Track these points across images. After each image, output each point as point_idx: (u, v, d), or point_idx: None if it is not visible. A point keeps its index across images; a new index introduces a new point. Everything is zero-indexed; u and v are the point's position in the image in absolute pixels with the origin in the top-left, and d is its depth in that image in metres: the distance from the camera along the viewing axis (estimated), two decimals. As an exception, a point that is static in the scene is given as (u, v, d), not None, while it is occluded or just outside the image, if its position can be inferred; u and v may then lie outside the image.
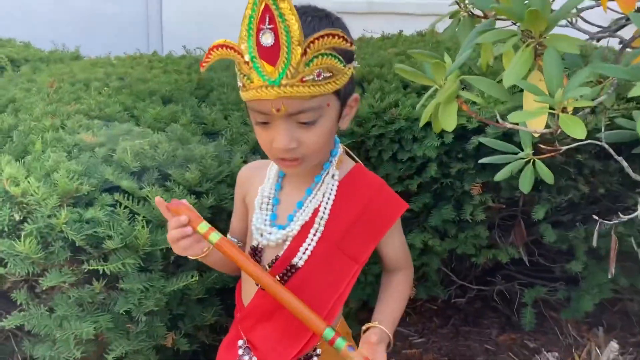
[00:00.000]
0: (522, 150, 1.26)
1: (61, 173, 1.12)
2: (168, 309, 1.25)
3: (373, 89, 1.77)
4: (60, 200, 1.09)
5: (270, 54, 0.89)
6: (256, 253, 1.09)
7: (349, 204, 1.08)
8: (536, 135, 1.11)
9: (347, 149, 1.15)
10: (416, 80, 0.98)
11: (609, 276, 1.44)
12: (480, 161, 1.49)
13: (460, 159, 1.68)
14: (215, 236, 0.98)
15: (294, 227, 1.06)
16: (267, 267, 1.07)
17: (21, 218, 1.09)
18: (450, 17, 1.25)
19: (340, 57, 0.93)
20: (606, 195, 1.81)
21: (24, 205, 1.09)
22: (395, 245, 1.15)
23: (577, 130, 0.85)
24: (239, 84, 0.97)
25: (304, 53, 0.89)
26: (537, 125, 1.01)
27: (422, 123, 1.03)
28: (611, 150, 1.25)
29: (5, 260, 1.08)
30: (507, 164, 1.29)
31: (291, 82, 0.90)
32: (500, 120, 1.02)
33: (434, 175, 1.67)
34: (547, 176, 1.32)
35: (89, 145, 1.28)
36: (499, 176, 1.34)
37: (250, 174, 1.16)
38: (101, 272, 1.13)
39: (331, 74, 0.94)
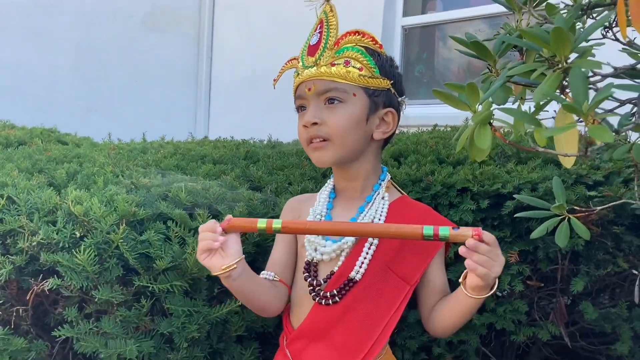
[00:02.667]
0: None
1: (120, 198, 1.21)
2: (208, 342, 1.27)
3: (409, 161, 1.87)
4: (118, 219, 1.17)
5: (313, 49, 1.12)
6: (310, 268, 1.14)
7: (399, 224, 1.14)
8: (568, 164, 1.16)
9: (392, 182, 1.24)
10: (453, 105, 1.07)
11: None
12: (516, 215, 1.53)
13: (496, 227, 1.71)
14: (277, 222, 1.03)
15: (349, 240, 1.12)
16: (323, 283, 1.11)
17: (81, 235, 1.17)
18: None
19: (371, 59, 1.12)
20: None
21: (85, 223, 1.18)
22: (441, 272, 1.17)
23: (604, 135, 0.91)
24: (293, 84, 1.18)
25: (337, 43, 1.11)
26: (569, 149, 1.07)
27: (458, 149, 1.11)
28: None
29: (62, 274, 1.14)
30: (543, 222, 1.32)
31: (323, 65, 1.11)
32: (532, 145, 1.09)
33: (470, 241, 1.69)
34: (583, 232, 1.34)
35: (145, 186, 1.38)
36: (536, 233, 1.37)
37: (300, 202, 1.25)
38: (149, 294, 1.18)
39: (361, 69, 1.10)
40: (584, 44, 1.06)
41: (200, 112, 5.38)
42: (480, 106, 1.08)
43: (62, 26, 4.64)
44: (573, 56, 1.02)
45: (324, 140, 1.12)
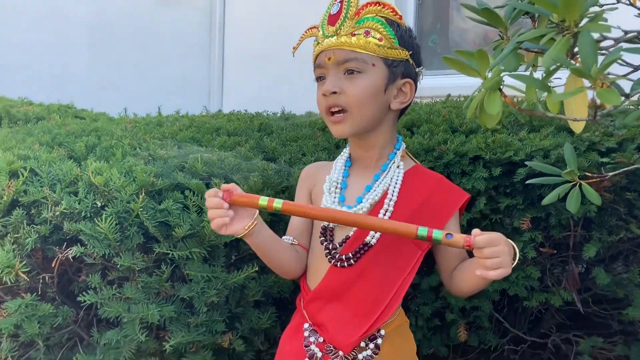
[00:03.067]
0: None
1: (139, 169, 1.25)
2: (227, 307, 1.31)
3: (422, 131, 1.88)
4: (138, 188, 1.21)
5: (334, 19, 1.14)
6: (326, 233, 1.17)
7: (413, 192, 1.18)
8: (577, 129, 1.17)
9: (407, 151, 1.27)
10: (463, 72, 1.08)
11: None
12: (527, 182, 1.55)
13: (509, 194, 1.73)
14: (279, 201, 1.05)
15: (364, 206, 1.15)
16: (339, 246, 1.15)
17: (102, 204, 1.21)
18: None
19: (391, 29, 1.13)
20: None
21: (106, 193, 1.22)
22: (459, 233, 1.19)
23: (612, 98, 0.92)
24: (313, 53, 1.20)
25: (357, 14, 1.12)
26: (578, 113, 1.08)
27: (468, 115, 1.12)
28: None
29: (85, 242, 1.19)
30: (554, 188, 1.34)
31: (343, 35, 1.13)
32: (542, 109, 1.10)
33: (483, 209, 1.71)
34: (594, 198, 1.35)
35: (162, 157, 1.41)
36: (547, 200, 1.39)
37: (317, 169, 1.27)
38: (169, 261, 1.22)
39: (381, 39, 1.12)
40: (595, 8, 1.07)
41: (213, 87, 5.39)
42: (490, 73, 1.09)
43: (75, 4, 4.66)
44: (585, 22, 1.03)
45: (343, 110, 1.14)
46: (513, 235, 1.75)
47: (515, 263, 1.01)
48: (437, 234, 1.01)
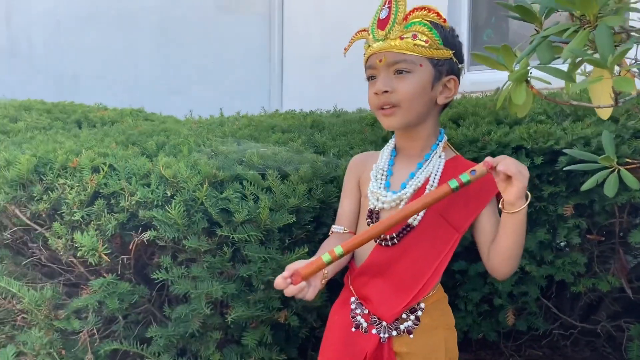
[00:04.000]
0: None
1: (203, 162, 1.41)
2: (282, 286, 1.45)
3: (467, 123, 1.96)
4: (202, 179, 1.37)
5: (383, 23, 1.25)
6: (373, 215, 1.29)
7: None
8: (605, 115, 1.24)
9: (449, 143, 1.37)
10: (491, 66, 1.18)
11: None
12: (565, 168, 1.61)
13: (551, 182, 1.78)
14: (339, 248, 1.14)
15: (408, 191, 1.26)
16: None
17: (171, 194, 1.38)
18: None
19: (436, 32, 1.24)
20: None
21: (174, 184, 1.38)
22: (494, 218, 1.28)
23: (627, 85, 1.00)
24: (364, 55, 1.31)
25: (405, 19, 1.23)
26: (602, 101, 1.15)
27: (498, 105, 1.21)
28: None
29: (157, 227, 1.36)
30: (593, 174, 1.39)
31: (393, 39, 1.24)
32: (565, 98, 1.18)
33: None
34: (632, 183, 1.40)
35: (223, 152, 1.57)
36: (586, 185, 1.45)
37: (365, 158, 1.40)
38: (230, 243, 1.37)
39: (427, 42, 1.23)
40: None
41: (274, 89, 5.59)
42: (518, 65, 1.18)
43: (142, 12, 4.95)
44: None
45: (393, 106, 1.26)
46: (558, 221, 1.80)
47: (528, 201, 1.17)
48: (464, 177, 1.14)
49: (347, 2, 4.63)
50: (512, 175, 1.12)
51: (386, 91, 1.24)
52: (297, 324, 1.47)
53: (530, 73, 1.18)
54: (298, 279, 1.12)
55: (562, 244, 1.88)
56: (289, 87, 5.54)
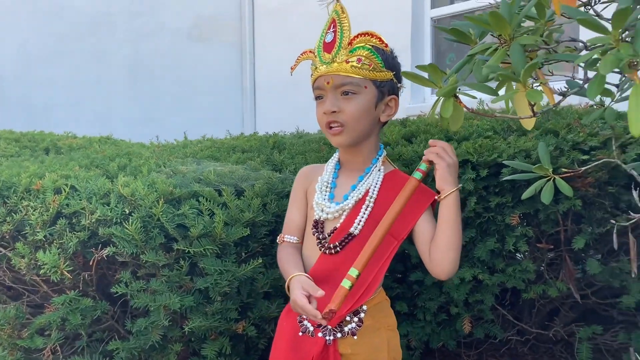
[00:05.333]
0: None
1: (160, 181, 1.48)
2: (239, 297, 1.52)
3: (419, 140, 2.06)
4: (158, 197, 1.44)
5: (329, 47, 1.35)
6: (318, 225, 1.38)
7: (390, 191, 1.38)
8: (528, 126, 1.33)
9: (387, 158, 1.47)
10: (421, 83, 1.28)
11: (632, 275, 1.56)
12: (505, 178, 1.71)
13: (498, 193, 1.88)
14: (354, 271, 1.23)
15: (349, 202, 1.36)
16: (327, 236, 1.36)
17: (129, 211, 1.44)
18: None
19: (378, 56, 1.34)
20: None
21: (132, 201, 1.45)
22: (431, 224, 1.36)
23: (537, 97, 1.10)
24: (311, 75, 1.40)
25: (350, 44, 1.32)
26: (523, 112, 1.25)
27: (429, 118, 1.31)
28: (620, 162, 1.46)
29: (116, 243, 1.42)
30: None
31: (339, 62, 1.33)
32: (491, 112, 1.28)
33: (474, 207, 1.87)
34: (566, 190, 1.51)
35: (182, 172, 1.64)
36: (526, 194, 1.55)
37: (312, 170, 1.49)
38: (187, 258, 1.44)
39: (371, 65, 1.33)
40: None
41: (247, 116, 5.68)
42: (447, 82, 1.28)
43: (114, 44, 5.05)
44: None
45: (341, 125, 1.35)
46: (506, 231, 1.90)
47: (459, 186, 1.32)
48: (422, 166, 1.31)
49: (317, 30, 4.75)
50: (432, 160, 1.28)
51: (334, 111, 1.34)
52: (254, 334, 1.53)
53: (459, 89, 1.28)
54: (335, 317, 1.21)
55: (519, 255, 1.96)
56: (262, 113, 5.64)
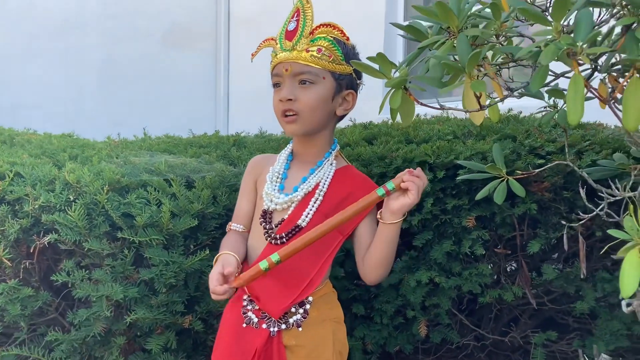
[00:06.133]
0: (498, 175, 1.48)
1: (107, 169, 1.45)
2: (186, 290, 1.49)
3: (379, 142, 2.06)
4: (104, 184, 1.41)
5: (291, 35, 1.34)
6: (266, 215, 1.36)
7: (340, 187, 1.38)
8: (477, 121, 1.34)
9: (341, 153, 1.46)
10: (370, 74, 1.27)
11: (581, 276, 1.57)
12: (458, 179, 1.71)
13: (454, 195, 1.88)
14: (275, 256, 1.24)
15: (299, 194, 1.35)
16: (275, 227, 1.34)
17: (74, 198, 1.41)
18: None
19: (339, 48, 1.34)
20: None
21: (77, 188, 1.42)
22: (371, 229, 1.37)
23: (480, 87, 1.11)
24: (270, 62, 1.40)
25: (311, 33, 1.32)
26: (470, 106, 1.26)
27: (379, 111, 1.31)
28: (575, 167, 1.48)
29: (59, 231, 1.38)
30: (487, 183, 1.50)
31: (299, 50, 1.33)
32: (440, 104, 1.28)
33: (430, 209, 1.87)
34: (519, 190, 1.52)
35: (133, 162, 1.62)
36: (480, 194, 1.56)
37: (263, 160, 1.48)
38: (133, 248, 1.41)
39: (330, 56, 1.33)
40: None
41: (219, 123, 5.65)
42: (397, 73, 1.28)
43: (86, 46, 5.00)
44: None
45: (295, 114, 1.34)
46: (462, 233, 1.90)
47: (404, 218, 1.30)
48: (389, 184, 1.26)
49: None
50: (412, 190, 1.24)
51: (290, 99, 1.33)
52: (201, 328, 1.50)
53: (409, 82, 1.28)
54: (236, 281, 1.23)
55: (475, 257, 1.96)
56: (235, 120, 5.61)
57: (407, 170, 1.27)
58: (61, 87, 4.87)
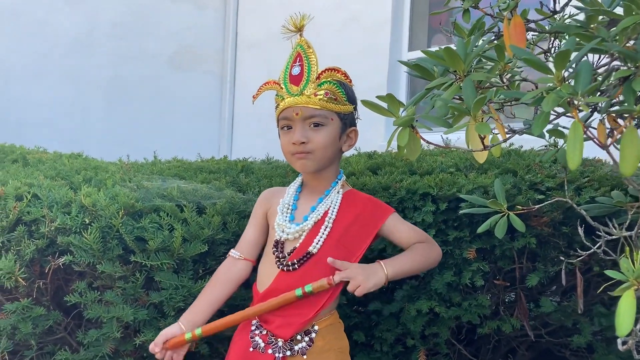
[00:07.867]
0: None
1: (122, 193, 1.50)
2: (194, 314, 1.52)
3: (384, 172, 2.12)
4: (119, 208, 1.46)
5: (296, 79, 1.42)
6: (278, 245, 1.43)
7: (348, 211, 1.45)
8: (481, 159, 1.39)
9: (345, 182, 1.53)
10: (379, 113, 1.33)
11: (579, 311, 1.61)
12: (460, 212, 1.76)
13: (456, 227, 1.93)
14: (198, 330, 1.38)
15: (309, 223, 1.42)
16: (287, 255, 1.41)
17: (89, 221, 1.46)
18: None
19: (343, 90, 1.42)
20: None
21: (93, 212, 1.47)
22: (403, 231, 1.50)
23: (485, 129, 1.16)
24: (275, 106, 1.47)
25: (318, 78, 1.40)
26: (474, 145, 1.31)
27: (387, 146, 1.36)
28: (574, 204, 1.53)
29: (74, 252, 1.43)
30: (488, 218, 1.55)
31: (307, 95, 1.40)
32: (444, 141, 1.34)
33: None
34: (519, 226, 1.57)
35: (145, 187, 1.67)
36: (481, 228, 1.60)
37: (274, 192, 1.56)
38: (145, 271, 1.45)
39: (336, 99, 1.41)
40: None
41: (223, 146, 5.71)
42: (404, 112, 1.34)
43: (94, 67, 5.08)
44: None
45: (308, 152, 1.42)
46: (463, 265, 1.94)
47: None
48: (308, 287, 1.36)
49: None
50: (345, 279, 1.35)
51: (303, 142, 1.40)
52: (207, 352, 1.54)
53: (416, 120, 1.34)
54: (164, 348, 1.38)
55: (475, 288, 2.00)
56: (238, 143, 5.67)
57: (325, 278, 1.36)
58: (68, 105, 4.94)
